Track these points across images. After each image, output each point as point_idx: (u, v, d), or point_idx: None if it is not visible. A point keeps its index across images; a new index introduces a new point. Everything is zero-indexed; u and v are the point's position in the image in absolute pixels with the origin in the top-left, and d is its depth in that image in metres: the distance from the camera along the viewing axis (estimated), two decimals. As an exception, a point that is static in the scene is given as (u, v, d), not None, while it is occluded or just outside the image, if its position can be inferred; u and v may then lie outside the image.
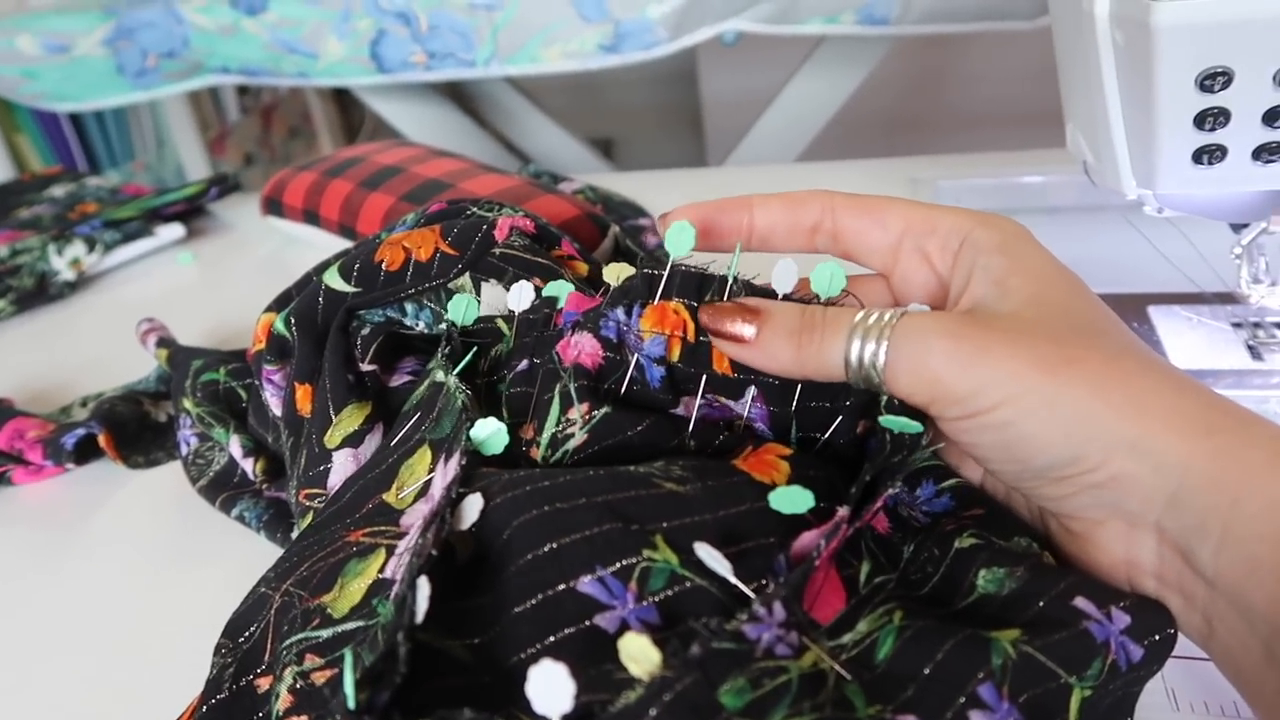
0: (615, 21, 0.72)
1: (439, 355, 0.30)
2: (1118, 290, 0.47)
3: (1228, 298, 0.45)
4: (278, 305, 0.37)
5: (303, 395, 0.33)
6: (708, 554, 0.21)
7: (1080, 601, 0.22)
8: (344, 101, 1.72)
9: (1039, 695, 0.21)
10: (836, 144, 0.94)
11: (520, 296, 0.31)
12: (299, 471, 0.31)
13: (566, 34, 0.73)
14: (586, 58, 0.75)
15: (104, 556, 0.37)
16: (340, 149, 0.68)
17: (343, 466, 0.30)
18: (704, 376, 0.26)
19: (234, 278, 0.64)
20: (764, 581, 0.22)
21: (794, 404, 0.26)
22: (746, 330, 0.25)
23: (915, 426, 0.24)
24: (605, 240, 0.49)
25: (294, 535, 0.30)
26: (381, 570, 0.25)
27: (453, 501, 0.23)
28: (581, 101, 1.67)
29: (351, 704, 0.18)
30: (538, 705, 0.18)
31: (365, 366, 0.32)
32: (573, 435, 0.26)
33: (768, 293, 0.27)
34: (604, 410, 0.26)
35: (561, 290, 0.30)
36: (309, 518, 0.30)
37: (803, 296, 0.26)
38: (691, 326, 0.26)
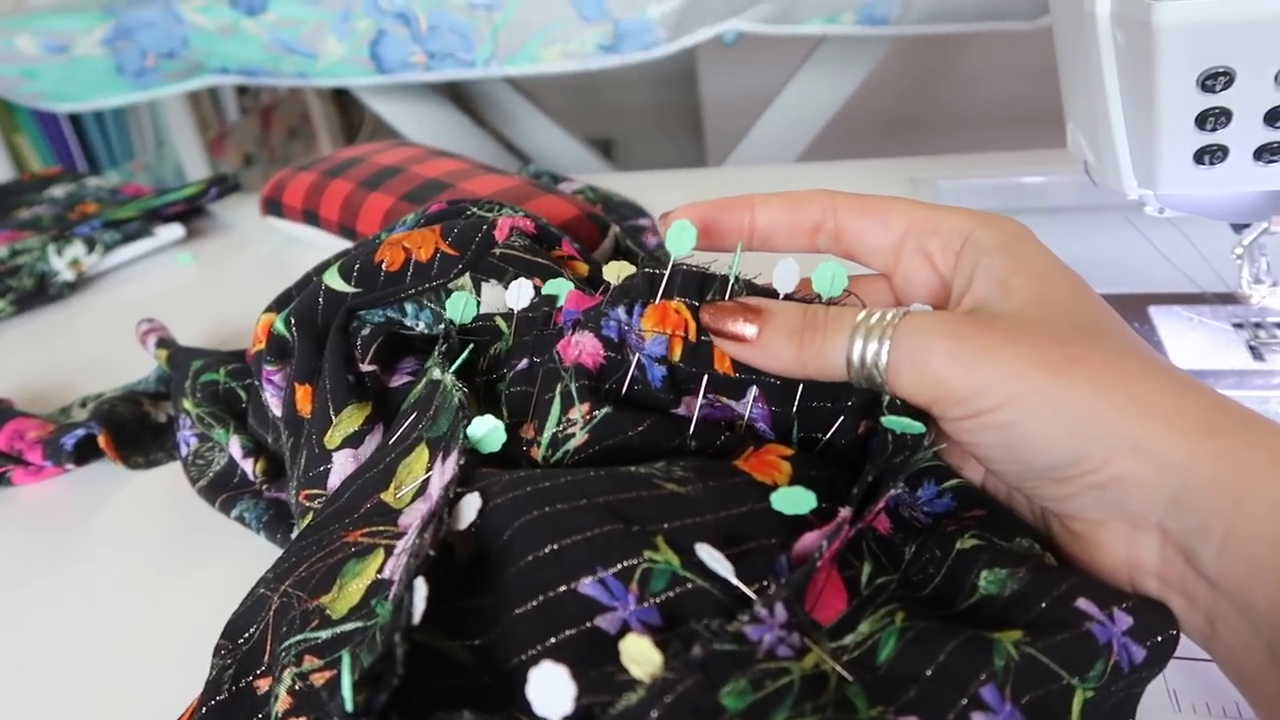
0: (615, 21, 0.72)
1: (436, 353, 0.30)
2: (1119, 290, 0.47)
3: (1229, 298, 0.45)
4: (278, 305, 0.37)
5: (303, 396, 0.33)
6: (709, 555, 0.21)
7: (1082, 603, 0.22)
8: (343, 102, 1.72)
9: (1041, 697, 0.21)
10: (836, 144, 0.94)
11: (519, 294, 0.31)
12: (299, 472, 0.31)
13: (566, 34, 0.73)
14: (586, 58, 0.75)
15: (104, 557, 0.37)
16: (340, 149, 0.68)
17: (343, 467, 0.30)
18: (705, 376, 0.26)
19: (234, 278, 0.64)
20: (765, 583, 0.22)
21: (795, 404, 0.26)
22: (748, 330, 0.25)
23: (917, 427, 0.24)
24: (605, 240, 0.49)
25: (294, 536, 0.30)
26: (380, 571, 0.25)
27: (450, 501, 0.23)
28: (581, 101, 1.67)
29: (349, 706, 0.18)
30: (538, 707, 0.18)
31: (365, 367, 0.32)
32: (573, 435, 0.26)
33: (769, 292, 0.26)
34: (605, 410, 0.26)
35: (561, 288, 0.30)
36: (309, 518, 0.29)
37: (804, 296, 0.26)
38: (693, 326, 0.26)
